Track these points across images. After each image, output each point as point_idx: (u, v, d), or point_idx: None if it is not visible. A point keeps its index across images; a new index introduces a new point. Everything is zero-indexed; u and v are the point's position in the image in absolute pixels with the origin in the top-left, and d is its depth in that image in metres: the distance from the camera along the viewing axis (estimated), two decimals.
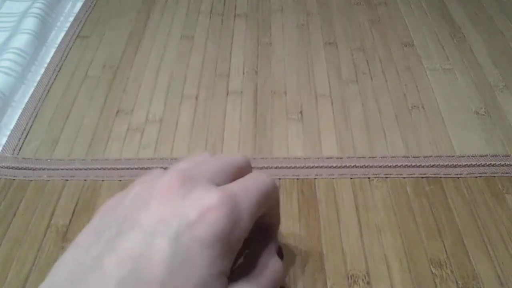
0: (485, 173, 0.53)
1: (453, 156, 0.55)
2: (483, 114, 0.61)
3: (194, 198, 0.25)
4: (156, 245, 0.23)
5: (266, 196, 0.30)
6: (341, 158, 0.55)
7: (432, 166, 0.54)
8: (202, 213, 0.24)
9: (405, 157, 0.55)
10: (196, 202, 0.25)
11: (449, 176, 0.53)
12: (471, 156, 0.55)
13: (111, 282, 0.21)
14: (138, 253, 0.22)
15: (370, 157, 0.55)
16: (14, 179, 0.54)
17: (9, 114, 0.63)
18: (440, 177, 0.53)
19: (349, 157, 0.55)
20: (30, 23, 0.74)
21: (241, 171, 0.31)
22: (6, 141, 0.59)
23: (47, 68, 0.70)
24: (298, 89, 0.65)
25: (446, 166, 0.54)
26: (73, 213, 0.50)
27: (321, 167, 0.54)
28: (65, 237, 0.48)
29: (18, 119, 0.62)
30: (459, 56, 0.71)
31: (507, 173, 0.53)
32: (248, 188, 0.28)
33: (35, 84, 0.67)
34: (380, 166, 0.54)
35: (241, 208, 0.26)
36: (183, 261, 0.22)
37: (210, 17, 0.80)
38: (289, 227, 0.47)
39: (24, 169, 0.55)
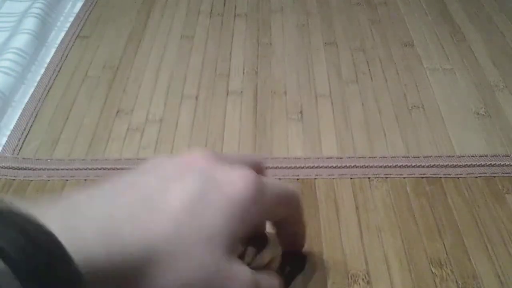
0: (485, 173, 0.53)
1: (453, 156, 0.55)
2: (483, 114, 0.61)
3: (227, 169, 0.28)
4: (187, 182, 0.26)
5: (287, 198, 0.32)
6: (341, 158, 0.55)
7: (432, 166, 0.54)
8: (233, 178, 0.27)
9: (405, 157, 0.55)
10: (229, 171, 0.27)
11: (449, 176, 0.53)
12: (471, 156, 0.55)
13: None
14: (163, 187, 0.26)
15: (370, 157, 0.55)
16: (14, 179, 0.54)
17: (9, 114, 0.63)
18: (440, 177, 0.53)
19: (349, 157, 0.55)
20: (30, 23, 0.74)
21: (258, 167, 0.33)
22: (6, 141, 0.59)
23: (47, 68, 0.70)
24: (298, 89, 0.65)
25: (446, 166, 0.54)
26: None
27: (321, 167, 0.54)
28: None
29: (18, 119, 0.61)
30: (459, 56, 0.71)
31: (507, 173, 0.53)
32: (273, 181, 0.31)
33: (35, 84, 0.67)
34: (380, 166, 0.54)
35: (265, 190, 0.28)
36: (204, 209, 0.25)
37: (210, 17, 0.80)
38: None
39: (24, 169, 0.55)
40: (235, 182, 0.27)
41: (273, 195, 0.29)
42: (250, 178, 0.27)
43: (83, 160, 0.56)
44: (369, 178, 0.53)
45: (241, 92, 0.65)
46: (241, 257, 0.31)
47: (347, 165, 0.54)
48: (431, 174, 0.53)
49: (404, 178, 0.53)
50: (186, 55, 0.72)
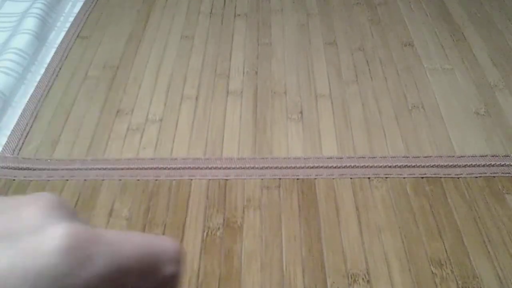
0: (485, 173, 0.53)
1: (453, 156, 0.55)
2: (483, 114, 0.61)
3: (45, 225, 0.18)
4: None
5: (158, 260, 0.21)
6: (341, 158, 0.55)
7: (432, 166, 0.54)
8: (34, 242, 0.18)
9: (405, 157, 0.55)
10: (41, 230, 0.18)
11: (449, 176, 0.53)
12: (471, 156, 0.55)
13: None
14: None
15: (370, 157, 0.55)
16: (14, 179, 0.54)
17: (9, 114, 0.63)
18: (440, 177, 0.53)
19: (349, 157, 0.55)
20: (30, 24, 0.74)
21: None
22: (6, 141, 0.59)
23: (47, 68, 0.70)
24: (298, 89, 0.65)
25: (446, 166, 0.54)
26: None
27: (321, 167, 0.54)
28: None
29: (18, 119, 0.61)
30: (459, 56, 0.71)
31: (507, 173, 0.53)
32: (129, 237, 0.20)
33: (35, 84, 0.67)
34: (380, 166, 0.54)
35: (96, 250, 0.19)
36: None
37: (210, 17, 0.80)
38: (289, 227, 0.47)
39: (24, 169, 0.55)
40: (37, 248, 0.18)
41: (115, 256, 0.19)
42: (59, 239, 0.18)
43: (83, 160, 0.56)
44: (369, 178, 0.53)
45: (241, 92, 0.65)
46: None
47: (347, 165, 0.54)
48: (431, 174, 0.53)
49: (404, 178, 0.53)
50: (186, 55, 0.72)
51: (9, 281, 0.17)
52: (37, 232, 0.18)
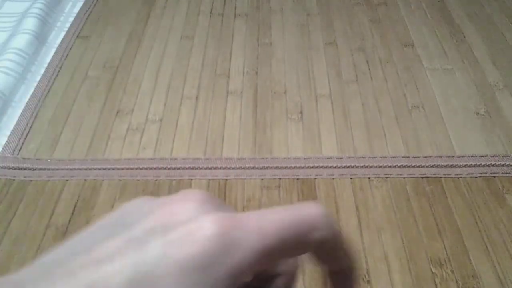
0: (485, 173, 0.53)
1: (453, 156, 0.55)
2: (483, 114, 0.61)
3: (191, 218, 0.19)
4: (122, 260, 0.18)
5: (302, 231, 0.21)
6: (341, 158, 0.55)
7: (432, 166, 0.54)
8: (183, 232, 0.19)
9: (405, 157, 0.55)
10: (191, 221, 0.19)
11: (449, 176, 0.53)
12: (471, 156, 0.55)
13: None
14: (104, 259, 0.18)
15: (370, 157, 0.55)
16: (14, 179, 0.54)
17: (9, 114, 0.63)
18: (440, 177, 0.53)
19: (349, 157, 0.55)
20: (30, 23, 0.74)
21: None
22: (6, 141, 0.59)
23: (47, 68, 0.70)
24: (298, 89, 0.65)
25: (446, 166, 0.54)
26: (73, 212, 0.50)
27: (321, 167, 0.54)
28: (65, 236, 0.48)
29: (18, 119, 0.61)
30: (459, 56, 0.71)
31: (507, 173, 0.53)
32: (272, 216, 0.20)
33: (35, 84, 0.67)
34: (380, 166, 0.54)
35: (241, 235, 0.19)
36: (150, 283, 0.17)
37: (210, 17, 0.80)
38: None
39: (24, 169, 0.55)
40: (185, 237, 0.19)
41: (264, 238, 0.20)
42: (206, 228, 0.19)
43: (83, 160, 0.56)
44: (369, 178, 0.53)
45: (241, 92, 0.65)
46: None
47: (347, 165, 0.54)
48: (431, 174, 0.53)
49: (404, 178, 0.53)
50: (186, 55, 0.72)
51: (160, 270, 0.17)
52: (188, 223, 0.19)
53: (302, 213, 0.21)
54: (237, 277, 0.19)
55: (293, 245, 0.20)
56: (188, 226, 0.19)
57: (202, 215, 0.19)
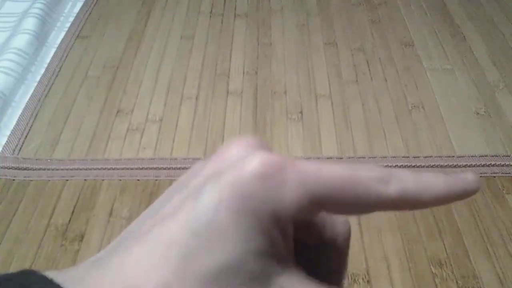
0: (485, 173, 0.53)
1: (453, 156, 0.55)
2: (483, 114, 0.61)
3: (239, 158, 0.19)
4: (185, 204, 0.19)
5: (348, 187, 0.20)
6: (341, 158, 0.55)
7: (432, 166, 0.54)
8: (233, 174, 0.19)
9: (405, 157, 0.55)
10: (240, 163, 0.19)
11: None
12: (471, 156, 0.55)
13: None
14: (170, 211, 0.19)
15: (370, 157, 0.55)
16: (14, 179, 0.54)
17: (9, 114, 0.63)
18: None
19: (349, 157, 0.55)
20: (30, 23, 0.74)
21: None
22: (6, 141, 0.59)
23: (47, 68, 0.70)
24: (298, 89, 0.65)
25: (446, 166, 0.54)
26: (73, 212, 0.50)
27: None
28: (65, 235, 0.48)
29: (18, 119, 0.61)
30: (459, 56, 0.71)
31: (507, 173, 0.53)
32: (326, 166, 0.19)
33: (35, 84, 0.67)
34: (380, 166, 0.54)
35: (289, 176, 0.19)
36: (210, 229, 0.18)
37: (210, 17, 0.80)
38: None
39: (24, 169, 0.55)
40: (235, 176, 0.19)
41: (310, 182, 0.19)
42: (254, 166, 0.19)
43: (83, 160, 0.56)
44: None
45: (241, 92, 0.65)
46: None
47: None
48: None
49: None
50: (186, 55, 0.72)
51: (218, 216, 0.18)
52: (237, 165, 0.19)
53: (362, 173, 0.20)
54: (281, 220, 0.19)
55: (349, 195, 0.19)
56: (237, 167, 0.19)
57: (251, 156, 0.19)
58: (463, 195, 0.20)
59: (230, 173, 0.19)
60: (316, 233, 0.23)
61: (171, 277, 0.17)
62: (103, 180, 0.54)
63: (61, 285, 0.16)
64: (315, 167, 0.20)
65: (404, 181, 0.20)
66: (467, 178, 0.21)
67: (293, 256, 0.20)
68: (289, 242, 0.20)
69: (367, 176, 0.20)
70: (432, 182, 0.20)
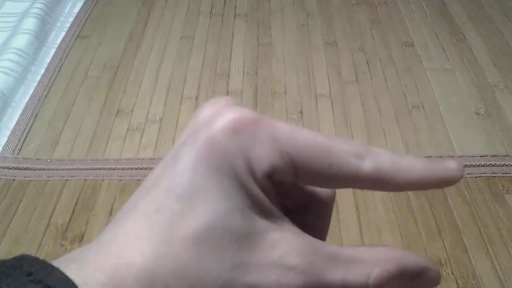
0: (485, 173, 0.53)
1: (453, 156, 0.55)
2: (483, 114, 0.61)
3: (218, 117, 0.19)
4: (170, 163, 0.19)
5: (323, 153, 0.19)
6: None
7: None
8: (207, 131, 0.19)
9: None
10: (213, 120, 0.19)
11: None
12: (471, 156, 0.55)
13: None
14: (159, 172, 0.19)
15: None
16: (14, 179, 0.54)
17: (9, 114, 0.63)
18: None
19: None
20: (30, 23, 0.74)
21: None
22: (6, 141, 0.59)
23: (47, 69, 0.70)
24: (298, 89, 0.65)
25: None
26: (73, 212, 0.50)
27: None
28: (65, 235, 0.48)
29: (18, 119, 0.61)
30: (459, 56, 0.71)
31: (507, 173, 0.53)
32: (301, 130, 0.20)
33: (35, 84, 0.67)
34: None
35: (261, 129, 0.19)
36: (191, 190, 0.18)
37: (210, 17, 0.80)
38: None
39: (24, 169, 0.55)
40: (210, 136, 0.19)
41: (285, 139, 0.19)
42: (227, 123, 0.19)
43: (83, 160, 0.56)
44: None
45: (241, 92, 0.65)
46: None
47: None
48: None
49: None
50: (186, 55, 0.72)
51: (198, 175, 0.18)
52: (209, 123, 0.19)
53: (335, 146, 0.19)
54: (257, 175, 0.19)
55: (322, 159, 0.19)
56: (210, 125, 0.19)
57: (224, 113, 0.19)
58: (442, 183, 0.20)
59: (202, 132, 0.19)
60: (300, 194, 0.23)
61: (161, 244, 0.17)
62: (103, 180, 0.54)
63: (54, 264, 0.16)
64: (290, 128, 0.19)
65: (380, 159, 0.20)
66: (450, 165, 0.20)
67: (283, 213, 0.20)
68: (273, 199, 0.19)
69: (343, 148, 0.19)
70: (411, 165, 0.19)
